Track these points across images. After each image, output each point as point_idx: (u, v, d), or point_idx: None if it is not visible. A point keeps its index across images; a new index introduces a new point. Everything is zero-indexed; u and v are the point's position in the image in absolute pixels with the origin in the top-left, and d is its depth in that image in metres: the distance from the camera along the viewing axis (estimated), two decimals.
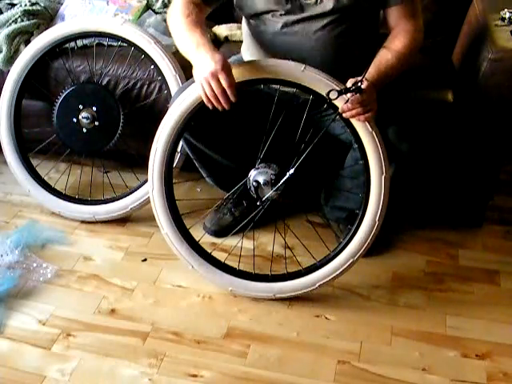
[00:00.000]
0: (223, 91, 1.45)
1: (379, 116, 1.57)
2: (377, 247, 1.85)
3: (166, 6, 2.27)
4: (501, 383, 1.54)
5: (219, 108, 1.48)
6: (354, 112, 1.51)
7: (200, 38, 1.49)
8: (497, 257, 1.94)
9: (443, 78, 1.96)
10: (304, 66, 1.55)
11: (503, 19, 1.84)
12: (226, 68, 1.44)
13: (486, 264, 1.91)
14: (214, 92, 1.45)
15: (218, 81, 1.43)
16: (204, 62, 1.45)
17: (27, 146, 2.10)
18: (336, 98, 1.50)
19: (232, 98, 1.45)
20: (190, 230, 1.78)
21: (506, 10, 1.85)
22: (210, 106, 1.50)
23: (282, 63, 1.58)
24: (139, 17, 2.18)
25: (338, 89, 1.50)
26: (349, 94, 1.48)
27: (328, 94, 1.50)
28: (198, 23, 1.54)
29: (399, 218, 2.03)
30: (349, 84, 1.49)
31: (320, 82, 1.55)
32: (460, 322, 1.71)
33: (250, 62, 1.64)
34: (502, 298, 1.79)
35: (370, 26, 1.68)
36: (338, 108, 1.53)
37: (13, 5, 2.21)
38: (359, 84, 1.47)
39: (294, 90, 1.58)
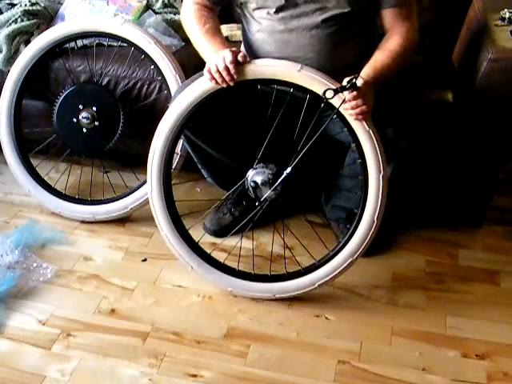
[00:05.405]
0: (225, 67, 1.52)
1: (379, 115, 1.57)
2: (377, 247, 1.85)
3: (166, 6, 2.27)
4: (501, 383, 1.54)
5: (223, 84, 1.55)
6: (354, 107, 1.50)
7: (219, 46, 1.59)
8: (497, 257, 1.94)
9: (443, 78, 1.96)
10: (300, 65, 1.55)
11: (503, 19, 1.84)
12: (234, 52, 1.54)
13: (486, 264, 1.91)
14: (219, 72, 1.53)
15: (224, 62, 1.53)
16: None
17: (27, 146, 2.10)
18: (332, 97, 1.50)
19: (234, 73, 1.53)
20: (190, 231, 1.78)
21: (506, 10, 1.86)
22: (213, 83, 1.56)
23: (278, 63, 1.58)
24: (139, 17, 2.18)
25: (333, 88, 1.50)
26: (345, 92, 1.48)
27: (324, 93, 1.50)
28: (217, 30, 1.65)
29: (399, 217, 2.03)
30: (344, 82, 1.49)
31: (316, 82, 1.55)
32: (460, 322, 1.71)
33: (247, 63, 1.64)
34: (501, 298, 1.79)
35: (366, 26, 1.68)
36: (335, 107, 1.53)
37: (13, 5, 2.21)
38: (354, 81, 1.46)
39: (291, 89, 1.58)
